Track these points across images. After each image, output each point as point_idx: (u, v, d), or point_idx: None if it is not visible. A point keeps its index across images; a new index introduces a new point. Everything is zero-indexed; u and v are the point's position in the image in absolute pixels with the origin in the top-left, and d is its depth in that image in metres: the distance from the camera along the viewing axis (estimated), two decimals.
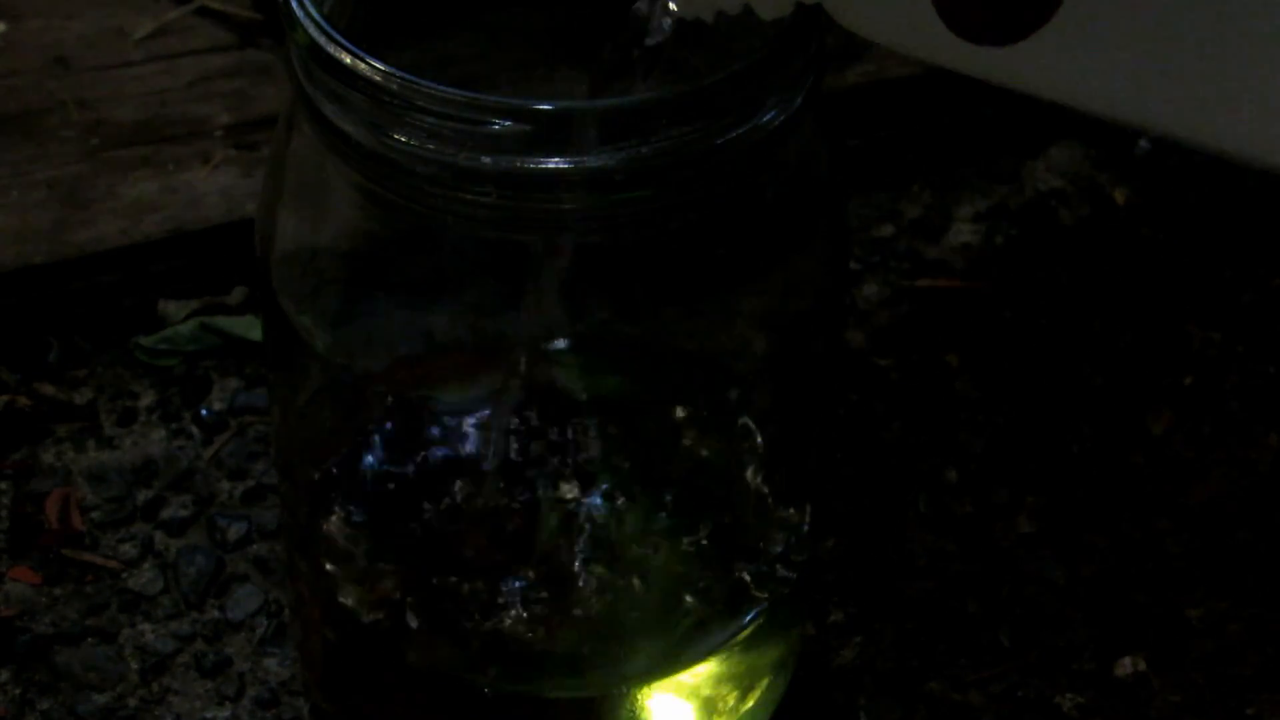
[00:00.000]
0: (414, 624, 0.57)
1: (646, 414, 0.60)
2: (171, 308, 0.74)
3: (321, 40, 0.46)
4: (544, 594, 0.57)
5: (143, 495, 0.69)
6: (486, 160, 0.45)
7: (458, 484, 0.58)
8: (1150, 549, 0.69)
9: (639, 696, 0.58)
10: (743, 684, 0.60)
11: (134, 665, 0.64)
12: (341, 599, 0.57)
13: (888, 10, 0.44)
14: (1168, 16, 0.40)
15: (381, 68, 0.45)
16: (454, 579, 0.57)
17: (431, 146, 0.45)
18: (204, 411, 0.72)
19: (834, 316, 0.56)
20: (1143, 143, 0.85)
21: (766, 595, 0.58)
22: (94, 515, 0.68)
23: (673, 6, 0.47)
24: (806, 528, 0.60)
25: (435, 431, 0.59)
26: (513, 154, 0.45)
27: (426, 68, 0.46)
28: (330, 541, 0.58)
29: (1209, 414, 0.74)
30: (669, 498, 0.60)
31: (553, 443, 0.57)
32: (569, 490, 0.57)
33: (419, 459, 0.59)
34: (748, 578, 0.58)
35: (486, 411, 0.57)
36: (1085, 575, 0.68)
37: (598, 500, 0.58)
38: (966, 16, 0.41)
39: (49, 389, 0.72)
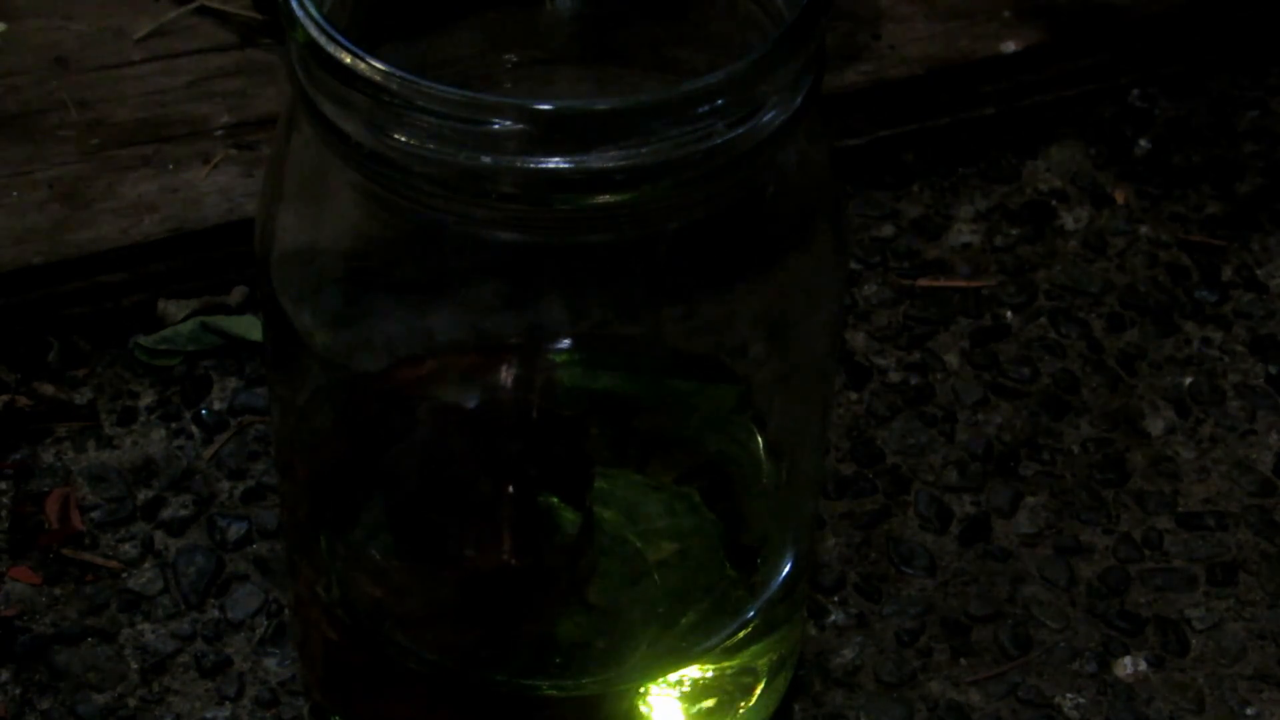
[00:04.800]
0: (415, 623, 0.57)
1: (646, 413, 0.60)
2: (171, 308, 0.74)
3: (321, 40, 0.46)
4: (544, 591, 0.57)
5: (143, 495, 0.69)
6: (486, 160, 0.45)
7: (458, 483, 0.58)
8: (1150, 549, 0.69)
9: (639, 695, 0.58)
10: (743, 684, 0.60)
11: (134, 665, 0.64)
12: (347, 597, 0.57)
13: None
14: None
15: (381, 68, 0.45)
16: (454, 575, 0.57)
17: (431, 146, 0.45)
18: (204, 411, 0.72)
19: (834, 316, 0.56)
20: (1143, 142, 0.85)
21: (766, 594, 0.58)
22: (94, 515, 0.68)
23: None
24: (807, 527, 0.60)
25: (435, 431, 0.59)
26: (513, 154, 0.45)
27: (427, 68, 0.46)
28: (335, 541, 0.58)
29: (1209, 414, 0.74)
30: (669, 497, 0.60)
31: (553, 442, 0.57)
32: (570, 489, 0.57)
33: (419, 458, 0.59)
34: (748, 576, 0.58)
35: (486, 411, 0.57)
36: (1085, 575, 0.68)
37: (597, 499, 0.58)
38: None
39: (49, 389, 0.72)
